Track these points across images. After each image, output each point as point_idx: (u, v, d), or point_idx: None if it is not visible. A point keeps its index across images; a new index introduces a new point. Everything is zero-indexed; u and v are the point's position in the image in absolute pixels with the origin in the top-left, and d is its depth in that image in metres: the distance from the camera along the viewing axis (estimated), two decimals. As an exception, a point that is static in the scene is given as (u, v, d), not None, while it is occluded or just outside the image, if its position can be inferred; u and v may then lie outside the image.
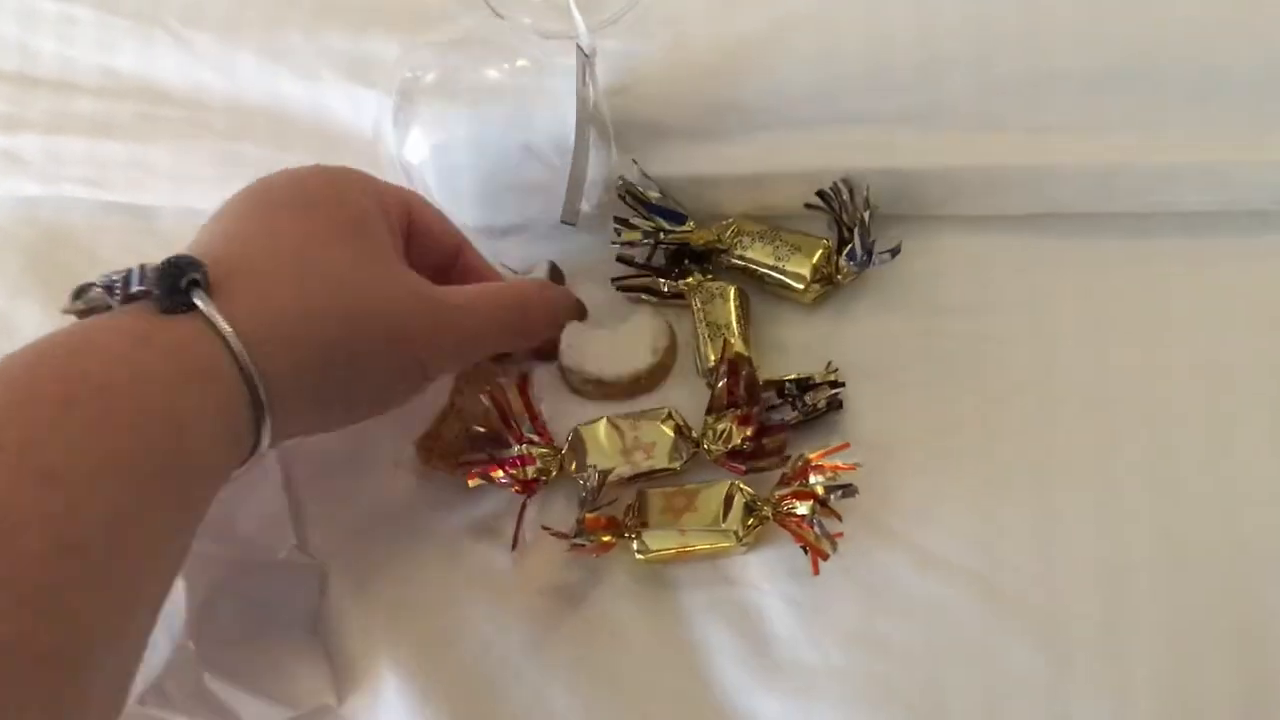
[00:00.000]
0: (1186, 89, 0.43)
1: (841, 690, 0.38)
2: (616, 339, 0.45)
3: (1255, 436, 0.40)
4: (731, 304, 0.44)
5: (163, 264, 0.32)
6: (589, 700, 0.39)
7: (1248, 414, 0.40)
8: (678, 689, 0.39)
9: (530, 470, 0.41)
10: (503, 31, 0.47)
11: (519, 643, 0.40)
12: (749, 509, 0.40)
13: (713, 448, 0.41)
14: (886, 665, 0.38)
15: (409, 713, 0.39)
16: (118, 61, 0.53)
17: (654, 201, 0.46)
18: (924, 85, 0.44)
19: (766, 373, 0.43)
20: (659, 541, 0.40)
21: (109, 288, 0.33)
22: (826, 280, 0.45)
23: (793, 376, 0.43)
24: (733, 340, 0.43)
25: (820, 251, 0.44)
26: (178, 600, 0.39)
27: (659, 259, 0.47)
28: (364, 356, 0.36)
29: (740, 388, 0.41)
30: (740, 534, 0.40)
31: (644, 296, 0.47)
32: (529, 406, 0.42)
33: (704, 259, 0.46)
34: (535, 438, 0.42)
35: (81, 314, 0.33)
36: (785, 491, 0.39)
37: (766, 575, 0.40)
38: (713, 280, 0.46)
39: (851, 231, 0.43)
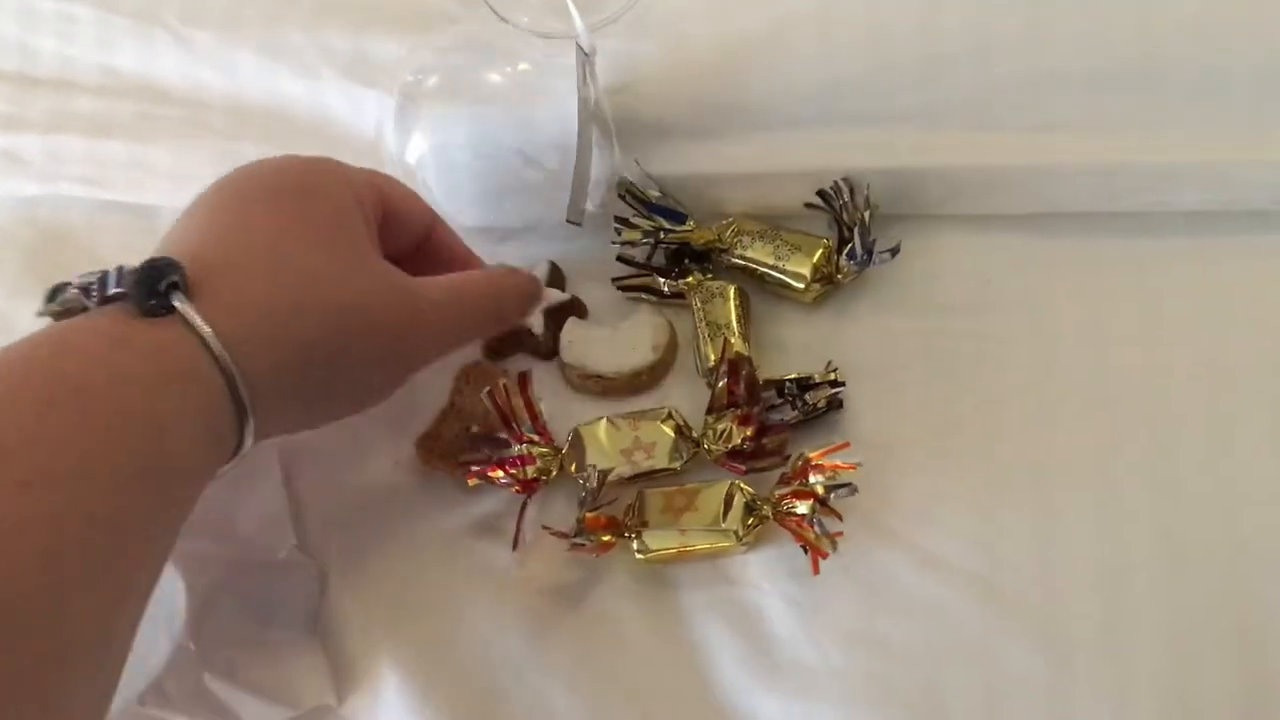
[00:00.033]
0: (1187, 89, 0.43)
1: (841, 690, 0.38)
2: (617, 336, 0.45)
3: (1255, 436, 0.40)
4: (732, 303, 0.44)
5: (141, 267, 0.32)
6: (589, 700, 0.39)
7: (1248, 414, 0.40)
8: (678, 688, 0.39)
9: (530, 470, 0.41)
10: (505, 34, 0.46)
11: (519, 642, 0.40)
12: (749, 508, 0.40)
13: (713, 447, 0.41)
14: (886, 665, 0.38)
15: (409, 712, 0.39)
16: (117, 60, 0.53)
17: (654, 201, 0.46)
18: (924, 85, 0.44)
19: (767, 372, 0.43)
20: (659, 541, 0.40)
21: (85, 289, 0.32)
22: (827, 280, 0.45)
23: (793, 376, 0.43)
24: (733, 340, 0.43)
25: (820, 251, 0.44)
26: (178, 600, 0.39)
27: (659, 258, 0.47)
28: (345, 354, 0.36)
29: (740, 387, 0.41)
30: (740, 533, 0.40)
31: (644, 296, 0.47)
32: (529, 406, 0.42)
33: (704, 258, 0.46)
34: (535, 437, 0.42)
35: (58, 316, 0.33)
36: (785, 491, 0.39)
37: (766, 575, 0.40)
38: (713, 280, 0.46)
39: (852, 231, 0.43)
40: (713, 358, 0.43)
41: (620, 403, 0.45)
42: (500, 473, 0.41)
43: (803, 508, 0.38)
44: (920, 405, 0.43)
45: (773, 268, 0.45)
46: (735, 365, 0.41)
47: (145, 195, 0.52)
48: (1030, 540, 0.39)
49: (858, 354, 0.44)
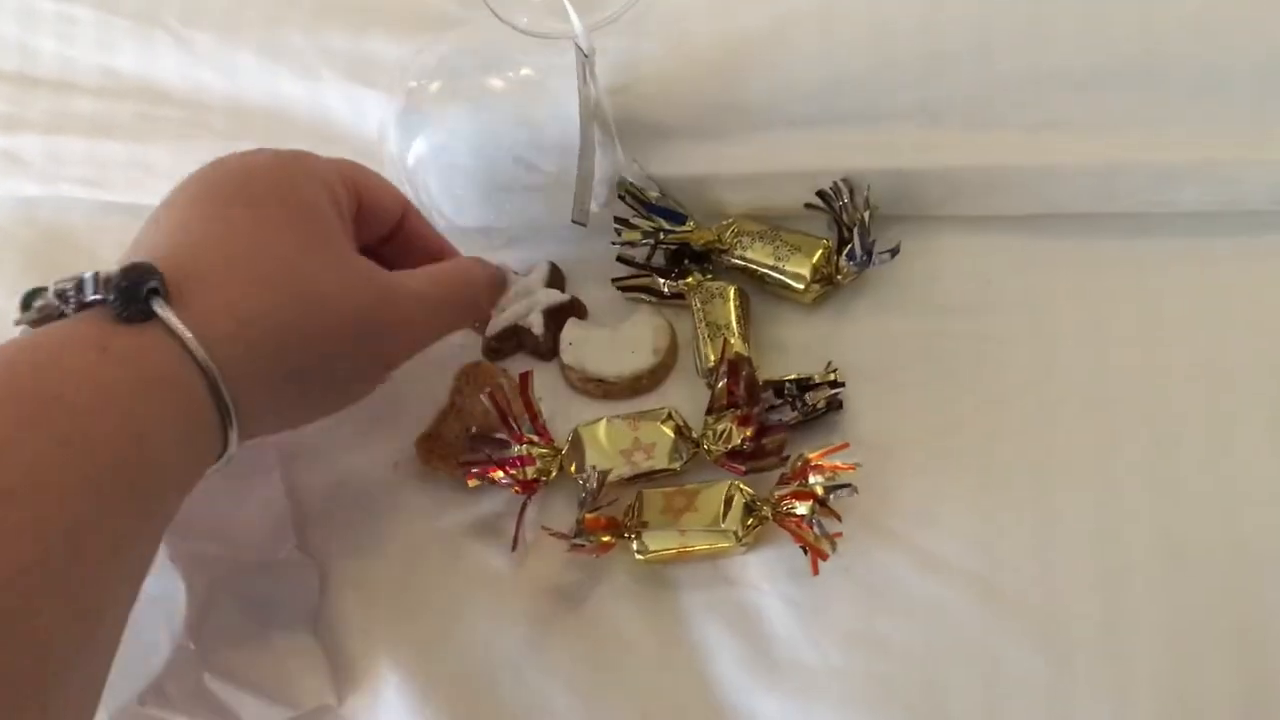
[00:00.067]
0: (1188, 86, 0.43)
1: (841, 690, 0.38)
2: (618, 338, 0.45)
3: (1255, 436, 0.40)
4: (731, 304, 0.44)
5: (120, 272, 0.32)
6: (589, 700, 0.39)
7: (1248, 414, 0.40)
8: (677, 689, 0.39)
9: (530, 470, 0.41)
10: (508, 40, 0.46)
11: (519, 642, 0.40)
12: (749, 509, 0.40)
13: (712, 448, 0.41)
14: (886, 666, 0.38)
15: (409, 712, 0.39)
16: (117, 61, 0.53)
17: (654, 201, 0.46)
18: (925, 83, 0.44)
19: (766, 373, 0.43)
20: (659, 542, 0.40)
21: (62, 295, 0.32)
22: (826, 280, 0.45)
23: (792, 377, 0.43)
24: (733, 340, 0.43)
25: (820, 252, 0.44)
26: (178, 600, 0.39)
27: (659, 259, 0.47)
28: (328, 356, 0.36)
29: (740, 388, 0.41)
30: (740, 534, 0.40)
31: (644, 296, 0.47)
32: (529, 407, 0.42)
33: (704, 259, 0.46)
34: (535, 438, 0.42)
35: (34, 323, 0.32)
36: (785, 491, 0.39)
37: (766, 575, 0.40)
38: (713, 280, 0.46)
39: (851, 231, 0.43)
40: (712, 358, 0.43)
41: (620, 403, 0.45)
42: (500, 473, 0.41)
43: (802, 508, 0.38)
44: (920, 406, 0.42)
45: (772, 268, 0.45)
46: (735, 366, 0.41)
47: (145, 196, 0.51)
48: (1030, 540, 0.39)
49: (857, 355, 0.44)
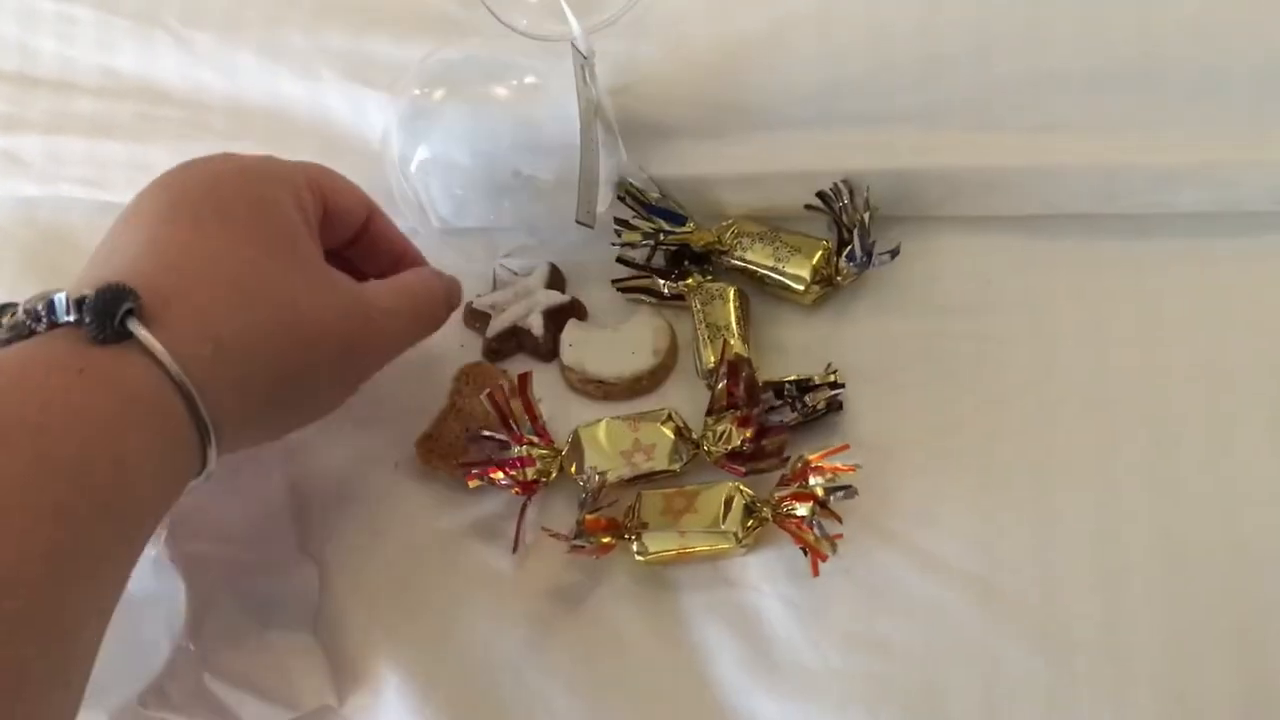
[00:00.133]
0: (1187, 89, 0.43)
1: (841, 691, 0.38)
2: (618, 339, 0.45)
3: (1255, 436, 0.40)
4: (731, 305, 0.44)
5: (96, 294, 0.31)
6: (589, 701, 0.39)
7: (1248, 414, 0.40)
8: (677, 690, 0.39)
9: (530, 472, 0.41)
10: (512, 48, 0.47)
11: (519, 643, 0.40)
12: (749, 510, 0.40)
13: (712, 449, 0.41)
14: (886, 666, 0.38)
15: (409, 713, 0.39)
16: (118, 61, 0.53)
17: (654, 202, 0.46)
18: (924, 85, 0.44)
19: (766, 374, 0.43)
20: (659, 543, 0.40)
21: (32, 314, 0.32)
22: (826, 281, 0.45)
23: (792, 378, 0.43)
24: (732, 341, 0.43)
25: (820, 253, 0.44)
26: (178, 600, 0.39)
27: (659, 260, 0.47)
28: (302, 368, 0.36)
29: (740, 389, 0.41)
30: (740, 535, 0.40)
31: (644, 298, 0.47)
32: (529, 408, 0.42)
33: (704, 260, 0.46)
34: (535, 439, 0.42)
35: (3, 342, 0.32)
36: (785, 493, 0.39)
37: (766, 577, 0.40)
38: (712, 281, 0.46)
39: (851, 233, 0.43)
40: (712, 359, 0.43)
41: (620, 404, 0.45)
42: (500, 474, 0.41)
43: (802, 510, 0.38)
44: (920, 406, 0.43)
45: (772, 269, 0.45)
46: (735, 367, 0.41)
47: None
48: (1030, 540, 0.39)
49: (857, 356, 0.44)
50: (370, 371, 0.40)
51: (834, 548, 0.38)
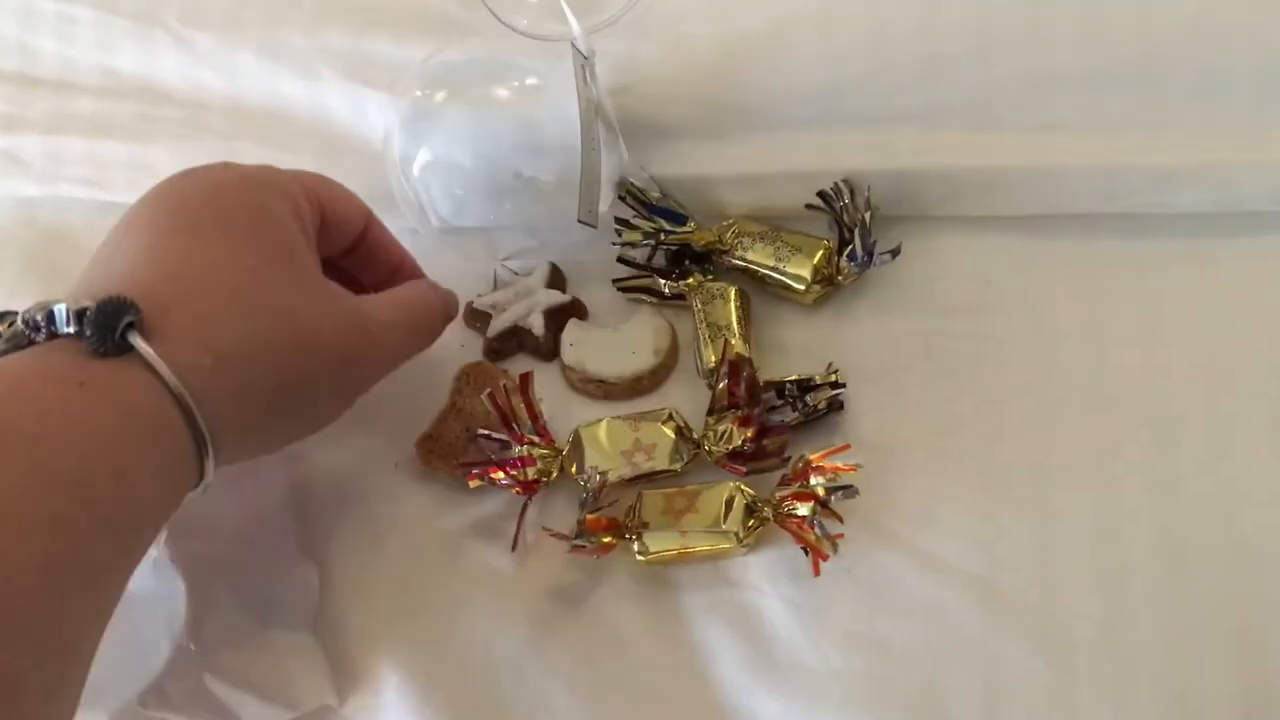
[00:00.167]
0: (1187, 89, 0.43)
1: (841, 691, 0.38)
2: (618, 339, 0.45)
3: (1255, 436, 0.40)
4: (732, 305, 0.44)
5: (96, 307, 0.31)
6: (589, 701, 0.39)
7: (1248, 414, 0.40)
8: (678, 690, 0.39)
9: (531, 471, 0.41)
10: (514, 49, 0.47)
11: (520, 643, 0.40)
12: (749, 510, 0.40)
13: (713, 449, 0.41)
14: (886, 666, 0.38)
15: (410, 713, 0.39)
16: (118, 61, 0.53)
17: (654, 202, 0.46)
18: (924, 85, 0.44)
19: (767, 374, 0.43)
20: (659, 543, 0.40)
21: (31, 324, 0.32)
22: (827, 281, 0.45)
23: (793, 377, 0.43)
24: (733, 341, 0.43)
25: (821, 252, 0.44)
26: (178, 600, 0.39)
27: (660, 260, 0.47)
28: (301, 382, 0.36)
29: (741, 389, 0.41)
30: (741, 535, 0.40)
31: (644, 297, 0.47)
32: (530, 407, 0.42)
33: (705, 260, 0.46)
34: (536, 439, 0.42)
35: (1, 352, 0.32)
36: (786, 493, 0.39)
37: (767, 576, 0.40)
38: (713, 281, 0.46)
39: (852, 232, 0.43)
40: (713, 359, 0.43)
41: (621, 404, 0.45)
42: (501, 474, 0.41)
43: (803, 509, 0.38)
44: (920, 406, 0.43)
45: (773, 269, 0.45)
46: (736, 366, 0.41)
47: None
48: (1030, 540, 0.39)
49: (858, 355, 0.44)
50: (367, 384, 0.40)
51: (835, 547, 0.38)
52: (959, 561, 0.39)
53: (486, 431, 0.42)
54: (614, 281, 0.47)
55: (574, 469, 0.42)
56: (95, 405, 0.30)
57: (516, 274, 0.48)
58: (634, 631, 0.40)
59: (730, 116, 0.46)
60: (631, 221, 0.46)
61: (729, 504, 0.40)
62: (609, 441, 0.42)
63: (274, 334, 0.34)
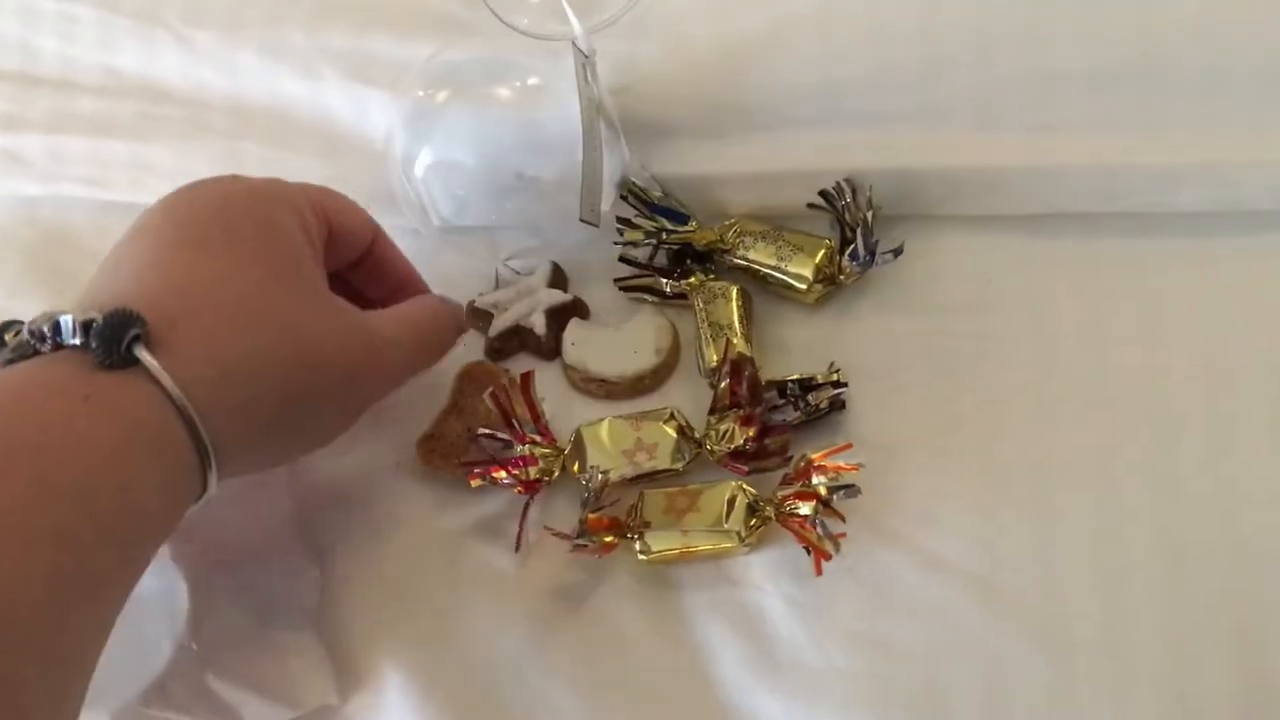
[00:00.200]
0: (1187, 88, 0.43)
1: (843, 691, 0.38)
2: (620, 338, 0.45)
3: (1255, 436, 0.40)
4: (734, 304, 0.45)
5: (103, 320, 0.31)
6: (591, 700, 0.39)
7: (1248, 414, 0.40)
8: (680, 689, 0.39)
9: (532, 471, 0.41)
10: (516, 49, 0.47)
11: (521, 643, 0.40)
12: (751, 509, 0.40)
13: (715, 448, 0.41)
14: (888, 666, 0.38)
15: (411, 712, 0.39)
16: (119, 60, 0.53)
17: (656, 201, 0.46)
18: (925, 85, 0.44)
19: (769, 373, 0.43)
20: (661, 542, 0.40)
21: (37, 334, 0.32)
22: (829, 280, 0.45)
23: (795, 377, 0.43)
24: (735, 340, 0.43)
25: (823, 252, 0.44)
26: (179, 600, 0.39)
27: (661, 259, 0.47)
28: (306, 398, 0.36)
29: (743, 388, 0.41)
30: (743, 534, 0.40)
31: (646, 296, 0.47)
32: (531, 407, 0.42)
33: (706, 259, 0.46)
34: (538, 438, 0.42)
35: (6, 361, 0.32)
36: (788, 492, 0.39)
37: (769, 576, 0.40)
38: (715, 280, 0.46)
39: (854, 231, 0.43)
40: (715, 358, 0.43)
41: (622, 403, 0.45)
42: (503, 473, 0.41)
43: (805, 509, 0.39)
44: (922, 405, 0.43)
45: (775, 268, 0.45)
46: (737, 366, 0.41)
47: (146, 196, 0.50)
48: (1031, 539, 0.39)
49: (860, 354, 0.44)
50: (373, 400, 0.39)
51: (837, 547, 0.38)
52: (960, 561, 0.39)
53: (488, 431, 0.42)
54: (616, 281, 0.47)
55: (576, 468, 0.42)
56: (100, 419, 0.30)
57: (518, 273, 0.48)
58: (636, 631, 0.40)
59: (731, 116, 0.46)
60: (633, 221, 0.46)
61: (731, 503, 0.40)
62: (611, 441, 0.42)
63: (279, 349, 0.34)
